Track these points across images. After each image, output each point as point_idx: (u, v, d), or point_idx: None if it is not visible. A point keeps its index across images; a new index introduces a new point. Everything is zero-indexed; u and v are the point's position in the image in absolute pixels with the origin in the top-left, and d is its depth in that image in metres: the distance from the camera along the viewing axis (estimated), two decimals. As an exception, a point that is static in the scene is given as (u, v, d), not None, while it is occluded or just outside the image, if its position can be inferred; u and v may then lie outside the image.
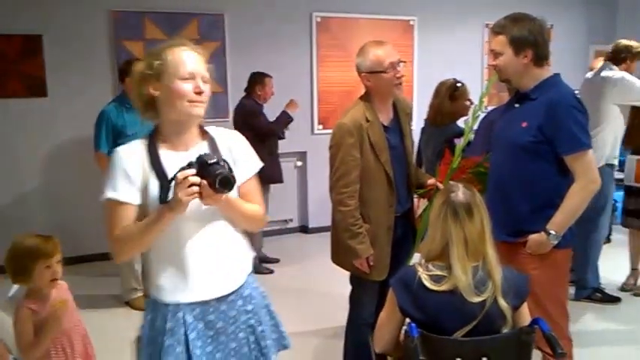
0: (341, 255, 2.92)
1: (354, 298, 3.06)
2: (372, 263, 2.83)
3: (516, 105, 2.66)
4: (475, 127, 3.24)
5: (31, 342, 2.38)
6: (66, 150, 5.43)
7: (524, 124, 2.53)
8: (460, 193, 2.04)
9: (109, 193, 1.82)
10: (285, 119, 5.19)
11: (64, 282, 2.60)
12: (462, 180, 2.73)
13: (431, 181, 3.06)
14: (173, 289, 1.90)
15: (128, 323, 4.26)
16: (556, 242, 2.50)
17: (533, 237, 2.53)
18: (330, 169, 2.83)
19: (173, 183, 1.72)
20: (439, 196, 2.11)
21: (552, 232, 2.49)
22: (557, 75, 2.61)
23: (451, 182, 2.26)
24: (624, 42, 4.34)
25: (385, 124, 2.87)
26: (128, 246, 1.86)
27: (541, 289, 2.51)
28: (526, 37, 2.50)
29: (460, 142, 3.10)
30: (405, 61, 2.88)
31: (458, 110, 4.04)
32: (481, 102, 3.10)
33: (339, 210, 2.79)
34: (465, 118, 3.72)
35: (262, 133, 5.03)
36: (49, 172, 5.43)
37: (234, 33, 5.92)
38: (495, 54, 2.60)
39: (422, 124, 4.31)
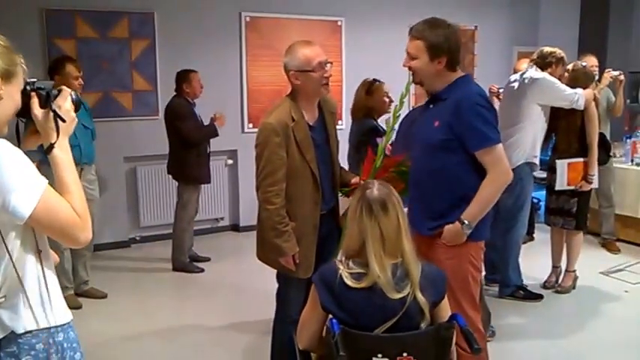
0: (267, 252, 2.95)
1: (280, 296, 3.09)
2: (297, 261, 2.88)
3: (430, 106, 2.77)
4: (396, 126, 3.30)
5: None
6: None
7: (436, 124, 2.64)
8: (375, 189, 2.07)
9: (42, 181, 1.53)
10: (210, 132, 5.16)
11: None
12: (385, 179, 2.72)
13: (355, 179, 3.10)
14: None
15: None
16: (469, 232, 2.60)
17: (448, 227, 2.63)
18: (256, 168, 2.84)
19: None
20: (356, 194, 2.14)
21: (466, 221, 2.59)
22: (466, 75, 2.74)
23: (367, 180, 2.32)
24: (548, 48, 4.43)
25: (311, 123, 2.90)
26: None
27: (454, 279, 2.56)
28: (442, 44, 2.59)
29: (382, 141, 3.18)
30: (332, 62, 2.94)
31: (373, 105, 4.23)
32: (401, 102, 3.17)
33: (265, 208, 2.81)
34: (385, 116, 3.87)
35: (184, 139, 5.06)
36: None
37: (164, 31, 5.92)
38: (411, 57, 2.68)
39: (350, 123, 4.48)
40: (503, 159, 2.64)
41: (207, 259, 5.59)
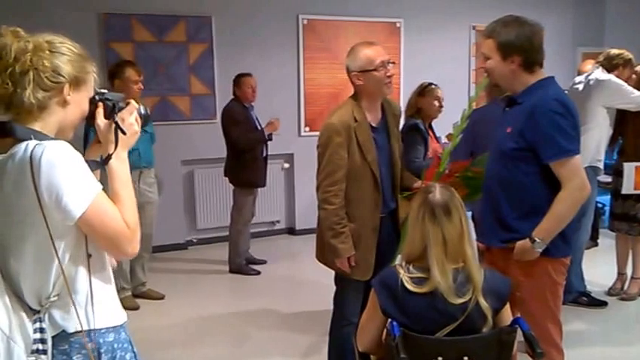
0: (325, 253, 2.95)
1: (338, 299, 3.08)
2: (353, 264, 2.85)
3: (506, 109, 2.63)
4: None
5: None
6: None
7: (508, 130, 2.50)
8: (437, 193, 2.04)
9: (97, 185, 1.55)
10: (257, 139, 5.12)
11: None
12: (449, 184, 2.68)
13: (417, 184, 3.06)
14: None
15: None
16: (541, 250, 2.44)
17: (518, 244, 2.48)
18: (317, 168, 2.86)
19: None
20: (417, 198, 2.10)
21: (537, 239, 2.42)
22: (547, 78, 2.53)
23: (429, 184, 2.26)
24: (615, 50, 4.34)
25: (373, 124, 2.89)
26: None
27: (530, 295, 2.50)
28: (513, 43, 2.45)
29: (448, 145, 3.10)
30: (394, 62, 2.90)
31: (422, 107, 4.18)
32: (470, 106, 3.08)
33: (323, 208, 2.82)
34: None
35: (232, 144, 5.09)
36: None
37: (221, 35, 5.95)
38: (485, 57, 2.56)
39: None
40: (579, 172, 2.44)
41: (264, 262, 5.60)
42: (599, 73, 4.23)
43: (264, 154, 5.31)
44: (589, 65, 4.94)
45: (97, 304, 1.62)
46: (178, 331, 4.21)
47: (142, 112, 1.74)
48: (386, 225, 2.98)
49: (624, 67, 4.27)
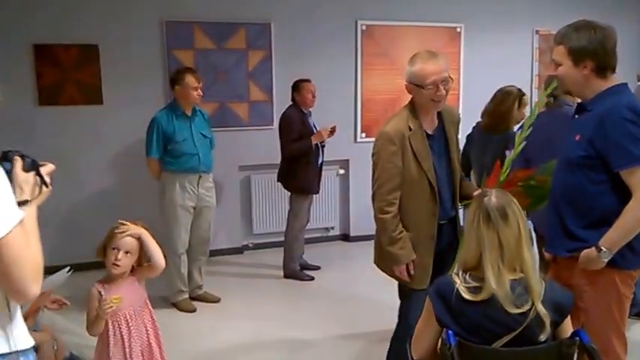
0: (383, 261, 2.95)
1: (402, 311, 3.06)
2: (412, 271, 2.83)
3: (576, 116, 2.58)
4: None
5: (91, 320, 2.64)
6: (120, 155, 5.61)
7: (577, 137, 2.45)
8: (493, 197, 2.01)
9: (21, 213, 1.52)
10: (302, 148, 5.09)
11: (138, 282, 2.79)
12: (511, 192, 2.65)
13: (477, 192, 2.97)
14: None
15: (174, 324, 4.42)
16: (607, 259, 2.38)
17: (584, 252, 2.43)
18: (372, 177, 2.86)
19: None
20: (473, 203, 2.08)
21: (604, 248, 2.37)
22: (620, 85, 2.47)
23: (485, 189, 2.23)
24: None
25: (429, 132, 2.87)
26: None
27: (594, 308, 2.46)
28: (585, 48, 2.40)
29: (511, 153, 3.04)
30: (452, 79, 2.83)
31: (520, 117, 4.06)
32: (534, 113, 3.02)
33: (379, 218, 2.82)
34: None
35: (282, 149, 5.13)
36: (104, 177, 5.62)
37: (280, 42, 5.99)
38: (556, 64, 2.52)
39: (468, 131, 4.30)
40: None
41: (318, 268, 5.60)
42: None
43: (320, 161, 5.31)
44: None
45: (17, 325, 1.61)
46: (234, 334, 4.25)
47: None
48: (445, 233, 2.96)
49: None
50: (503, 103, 4.05)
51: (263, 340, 4.15)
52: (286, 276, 5.40)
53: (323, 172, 5.46)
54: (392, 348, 3.10)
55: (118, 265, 2.65)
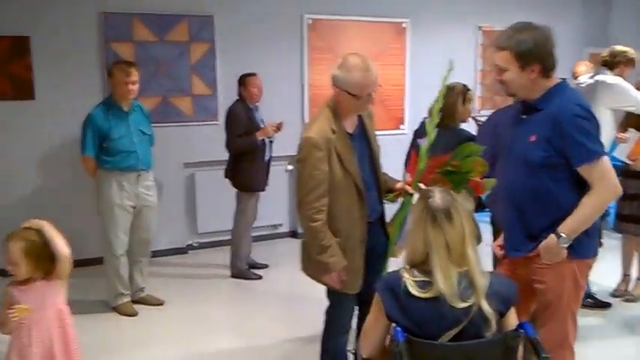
0: (313, 270, 2.87)
1: (331, 312, 3.01)
2: (344, 277, 2.78)
3: (523, 116, 2.57)
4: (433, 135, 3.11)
5: (1, 320, 2.63)
6: (54, 153, 5.37)
7: (532, 138, 2.45)
8: (438, 198, 2.04)
9: None
10: (246, 144, 4.98)
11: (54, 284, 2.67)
12: (431, 180, 2.75)
13: (399, 185, 3.01)
14: None
15: (114, 329, 4.25)
16: (566, 245, 2.42)
17: (544, 242, 2.45)
18: (297, 184, 2.77)
19: None
20: (418, 203, 2.11)
21: (563, 234, 2.41)
22: (562, 82, 2.52)
23: (428, 188, 2.24)
24: (620, 47, 4.35)
25: (350, 131, 2.84)
26: None
27: (557, 301, 2.51)
28: (531, 51, 2.40)
29: (424, 142, 3.03)
30: (381, 86, 2.83)
31: (466, 113, 4.07)
32: (435, 116, 3.02)
33: (308, 226, 2.72)
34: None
35: (227, 145, 5.03)
36: (37, 174, 5.37)
37: (224, 34, 5.86)
38: (501, 70, 2.49)
39: (415, 126, 4.26)
40: (610, 172, 2.42)
41: (265, 266, 5.52)
42: (607, 76, 4.24)
43: (267, 157, 5.22)
44: (582, 67, 5.13)
45: None
46: (178, 337, 4.12)
47: None
48: (374, 231, 2.92)
49: (626, 65, 4.30)
50: (447, 98, 4.05)
51: (209, 344, 4.01)
52: (233, 275, 5.28)
53: (271, 168, 5.37)
54: (326, 348, 3.05)
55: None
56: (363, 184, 2.81)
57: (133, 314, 4.44)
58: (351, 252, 2.80)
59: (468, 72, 7.08)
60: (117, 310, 4.48)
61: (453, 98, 3.97)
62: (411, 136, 4.18)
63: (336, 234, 2.76)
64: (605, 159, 2.41)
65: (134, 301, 4.59)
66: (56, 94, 5.28)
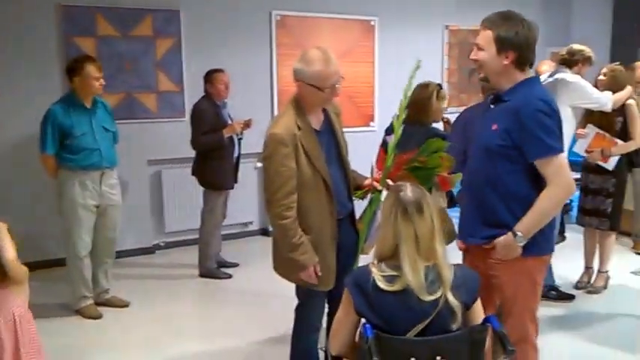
0: (285, 269, 2.84)
1: (301, 309, 2.99)
2: (319, 273, 2.75)
3: (491, 106, 2.61)
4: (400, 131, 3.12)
5: None
6: (12, 151, 5.20)
7: (494, 127, 2.48)
8: (409, 191, 2.07)
9: None
10: (212, 141, 4.89)
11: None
12: (398, 177, 2.79)
13: (367, 181, 3.01)
14: None
15: (78, 333, 4.13)
16: (522, 244, 2.45)
17: (501, 238, 2.47)
18: (265, 182, 2.73)
19: None
20: (388, 197, 2.13)
21: (519, 233, 2.43)
22: (533, 78, 2.56)
23: (398, 183, 2.25)
24: (577, 46, 4.46)
25: (317, 128, 2.81)
26: None
27: (512, 298, 2.54)
28: (511, 39, 2.43)
29: (391, 139, 3.03)
30: (344, 77, 2.79)
31: (439, 111, 4.08)
32: (401, 113, 3.01)
33: (278, 224, 2.68)
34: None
35: (192, 142, 4.94)
36: (-5, 174, 5.20)
37: (190, 30, 5.76)
38: (479, 48, 2.52)
39: (384, 123, 4.24)
40: (565, 170, 2.45)
41: (236, 265, 5.45)
42: (566, 75, 4.31)
43: (236, 154, 5.15)
44: (545, 66, 5.23)
45: None
46: (144, 340, 4.01)
47: None
48: (344, 227, 2.90)
49: (583, 63, 4.42)
50: (422, 94, 4.06)
51: (178, 347, 3.93)
52: (202, 275, 5.20)
53: (240, 166, 5.30)
54: (297, 346, 3.03)
55: None
56: (331, 180, 2.78)
57: (98, 317, 4.32)
58: (323, 249, 2.77)
59: (435, 70, 7.14)
60: (80, 312, 4.36)
61: (428, 95, 3.99)
62: (381, 134, 4.15)
63: (307, 231, 2.72)
64: (562, 156, 2.44)
65: (98, 304, 4.47)
66: (14, 90, 5.11)
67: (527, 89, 2.48)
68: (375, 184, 2.96)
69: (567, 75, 4.30)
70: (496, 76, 2.53)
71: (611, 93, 4.39)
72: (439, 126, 4.17)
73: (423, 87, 4.07)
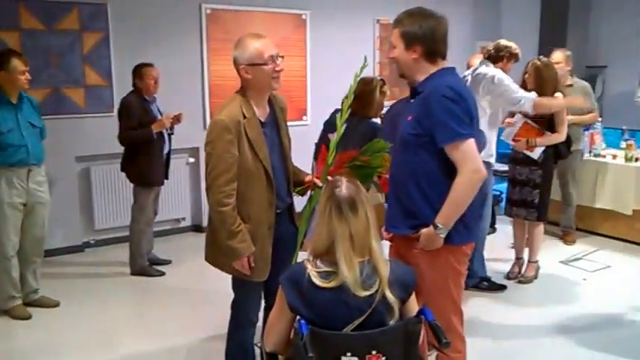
0: (219, 257, 2.83)
1: (238, 302, 2.99)
2: (252, 264, 2.77)
3: (411, 100, 2.67)
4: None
5: None
6: None
7: (409, 118, 2.56)
8: (344, 188, 2.06)
9: None
10: (139, 136, 4.82)
11: None
12: (339, 175, 2.70)
13: (308, 178, 3.04)
14: None
15: (6, 334, 4.01)
16: (444, 235, 2.48)
17: (423, 231, 2.51)
18: (206, 168, 2.72)
19: None
20: (324, 192, 2.13)
21: (439, 224, 2.47)
22: (445, 68, 2.60)
23: (335, 177, 2.26)
24: (505, 42, 4.49)
25: (262, 119, 2.82)
26: None
27: (433, 285, 2.54)
28: (415, 33, 2.51)
29: (334, 137, 3.06)
30: (283, 56, 2.83)
31: (381, 106, 4.15)
32: (344, 111, 3.06)
33: (217, 211, 2.69)
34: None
35: (119, 137, 4.87)
36: None
37: (118, 24, 5.64)
38: (392, 46, 2.61)
39: (317, 117, 4.29)
40: (473, 155, 2.48)
41: (168, 262, 5.39)
42: (486, 68, 4.35)
43: (167, 150, 5.09)
44: (477, 59, 5.18)
45: None
46: (75, 340, 3.93)
47: None
48: (282, 221, 2.92)
49: (509, 60, 4.43)
50: (365, 88, 4.12)
51: (106, 344, 3.88)
52: (133, 273, 5.12)
53: (172, 161, 5.25)
54: (231, 340, 3.03)
55: None
56: (273, 172, 2.80)
57: (27, 317, 4.21)
58: (260, 239, 2.79)
59: (367, 64, 7.19)
60: (8, 313, 4.24)
61: (371, 88, 4.05)
62: (314, 128, 4.20)
63: (246, 220, 2.73)
64: (470, 141, 2.46)
65: (27, 304, 4.35)
66: None
67: (438, 79, 2.54)
68: (316, 180, 2.98)
69: (489, 69, 4.32)
70: (410, 70, 2.60)
71: (535, 94, 4.37)
72: (378, 120, 4.25)
73: (367, 81, 4.14)
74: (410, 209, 2.58)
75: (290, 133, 3.01)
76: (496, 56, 4.42)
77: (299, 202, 3.10)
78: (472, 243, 2.68)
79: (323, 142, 4.04)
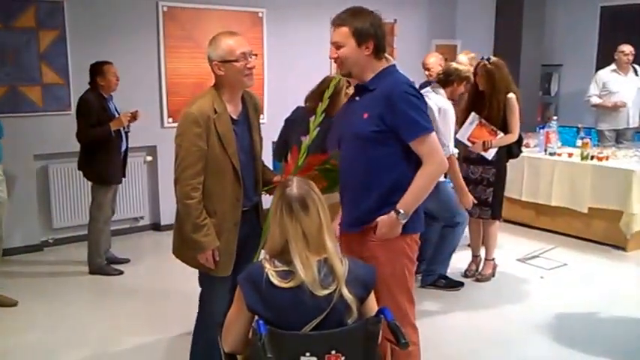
0: (185, 250, 2.86)
1: (204, 298, 3.02)
2: (217, 258, 2.81)
3: (357, 98, 2.70)
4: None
5: None
6: None
7: (365, 116, 2.57)
8: (294, 187, 2.05)
9: None
10: (98, 134, 4.80)
11: None
12: (307, 177, 2.69)
13: (276, 178, 3.04)
14: None
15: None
16: (404, 221, 2.54)
17: (382, 218, 2.55)
18: (175, 160, 2.76)
19: None
20: (276, 192, 2.11)
21: (401, 210, 2.52)
22: (392, 65, 2.67)
23: (288, 177, 2.27)
24: (455, 65, 4.51)
25: (234, 116, 2.84)
26: None
27: (390, 275, 2.58)
28: (368, 29, 2.55)
29: (306, 139, 3.11)
30: (256, 54, 2.87)
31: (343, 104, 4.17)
32: (325, 101, 3.14)
33: (183, 203, 2.73)
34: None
35: (78, 135, 4.87)
36: None
37: (75, 21, 5.60)
38: (337, 46, 2.61)
39: (274, 115, 4.31)
40: (438, 147, 2.60)
41: (127, 261, 5.38)
42: (439, 97, 4.27)
43: (124, 148, 5.09)
44: (432, 58, 5.21)
45: None
46: (34, 339, 3.92)
47: None
48: (248, 219, 2.94)
49: (459, 83, 4.41)
50: (334, 88, 4.16)
51: (66, 344, 3.87)
52: (92, 272, 5.11)
53: (129, 160, 5.26)
54: (198, 339, 3.04)
55: None
56: (241, 169, 2.83)
57: (-16, 317, 4.19)
58: (226, 234, 2.81)
59: (324, 61, 7.24)
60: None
61: (339, 88, 4.10)
62: (271, 126, 4.22)
63: (211, 214, 2.77)
64: (433, 135, 2.57)
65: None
66: None
67: (390, 77, 2.61)
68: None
69: (438, 100, 4.23)
70: (359, 68, 2.62)
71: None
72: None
73: (335, 81, 4.20)
74: (364, 207, 2.61)
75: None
76: (445, 80, 4.40)
77: (267, 201, 3.14)
78: (421, 231, 2.75)
79: (284, 138, 4.10)
